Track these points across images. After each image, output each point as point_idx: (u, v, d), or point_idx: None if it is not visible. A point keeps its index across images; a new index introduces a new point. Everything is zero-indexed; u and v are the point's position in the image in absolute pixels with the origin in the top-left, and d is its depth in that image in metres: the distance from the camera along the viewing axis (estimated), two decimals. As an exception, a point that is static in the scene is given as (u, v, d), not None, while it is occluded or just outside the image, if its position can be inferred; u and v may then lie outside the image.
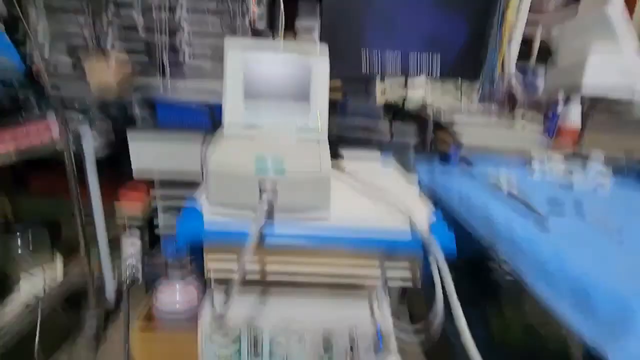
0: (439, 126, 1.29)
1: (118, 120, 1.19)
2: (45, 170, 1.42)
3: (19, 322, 0.94)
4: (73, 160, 1.06)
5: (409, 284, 0.64)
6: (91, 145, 1.16)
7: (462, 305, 0.46)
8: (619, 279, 0.55)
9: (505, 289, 1.28)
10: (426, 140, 1.28)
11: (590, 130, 1.24)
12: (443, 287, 0.53)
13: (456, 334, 0.51)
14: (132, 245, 0.99)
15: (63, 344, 1.28)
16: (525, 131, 1.29)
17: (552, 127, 1.29)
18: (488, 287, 1.34)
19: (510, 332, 1.11)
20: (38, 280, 1.04)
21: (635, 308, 0.48)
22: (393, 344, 0.70)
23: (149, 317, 0.96)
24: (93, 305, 1.25)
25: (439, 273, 0.53)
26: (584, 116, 1.25)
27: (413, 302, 1.47)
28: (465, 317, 0.46)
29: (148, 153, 1.22)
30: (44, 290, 1.04)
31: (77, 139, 1.14)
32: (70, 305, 1.15)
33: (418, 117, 1.42)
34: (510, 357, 1.06)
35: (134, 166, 1.24)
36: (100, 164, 1.24)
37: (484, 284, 1.36)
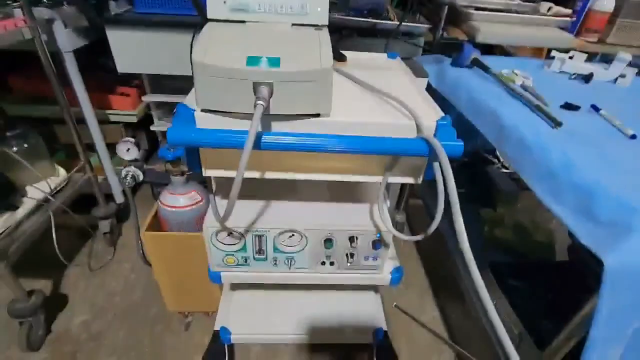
0: (453, 13, 1.14)
1: (91, 9, 1.05)
2: (29, 74, 1.33)
3: (33, 223, 0.99)
4: (48, 54, 0.97)
5: (410, 182, 0.63)
6: (65, 38, 1.05)
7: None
8: (624, 183, 0.53)
9: (500, 189, 1.31)
10: (438, 31, 1.15)
11: (624, 16, 1.11)
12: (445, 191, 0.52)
13: (451, 233, 0.52)
14: (129, 150, 0.97)
15: (81, 246, 1.38)
16: (550, 17, 1.15)
17: (581, 11, 1.15)
18: (484, 186, 1.38)
19: (501, 229, 1.18)
20: (43, 185, 1.05)
21: (639, 212, 0.48)
22: (391, 242, 0.73)
23: (156, 220, 0.99)
24: (103, 205, 1.30)
25: (443, 177, 0.52)
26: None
27: (412, 212, 1.53)
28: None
29: (132, 49, 1.11)
30: (52, 193, 1.06)
31: (50, 34, 1.03)
32: (80, 209, 1.19)
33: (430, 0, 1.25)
34: (499, 252, 1.14)
35: (118, 65, 1.14)
36: (82, 61, 1.14)
37: (479, 183, 1.40)
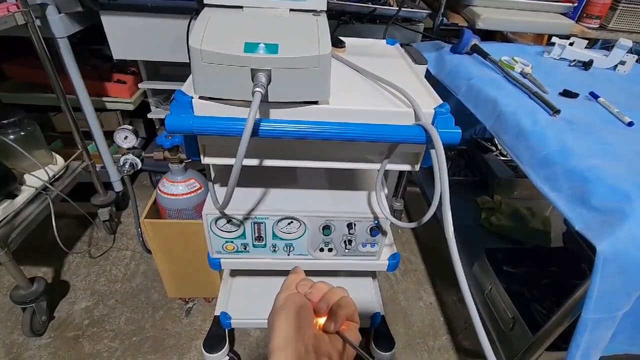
0: None
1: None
2: (24, 61, 1.31)
3: (32, 211, 0.99)
4: (42, 40, 0.96)
5: (408, 169, 0.64)
6: (59, 23, 1.03)
7: (455, 191, 0.46)
8: (619, 170, 0.54)
9: (497, 176, 1.31)
10: (438, 17, 1.13)
11: (626, 2, 1.10)
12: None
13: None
14: (126, 138, 0.97)
15: (81, 234, 1.38)
16: (551, 3, 1.13)
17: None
18: (481, 173, 1.38)
19: (498, 215, 1.19)
20: (41, 173, 1.05)
21: (632, 199, 0.48)
22: (388, 229, 0.74)
23: (155, 208, 1.00)
24: (101, 193, 1.30)
25: (439, 165, 0.52)
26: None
27: (410, 199, 1.54)
28: (457, 202, 0.46)
29: (127, 35, 1.10)
30: (50, 181, 1.06)
31: (43, 19, 1.01)
32: (79, 198, 1.19)
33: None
34: (496, 238, 1.15)
35: (113, 52, 1.13)
36: (78, 48, 1.13)
37: (477, 170, 1.40)
